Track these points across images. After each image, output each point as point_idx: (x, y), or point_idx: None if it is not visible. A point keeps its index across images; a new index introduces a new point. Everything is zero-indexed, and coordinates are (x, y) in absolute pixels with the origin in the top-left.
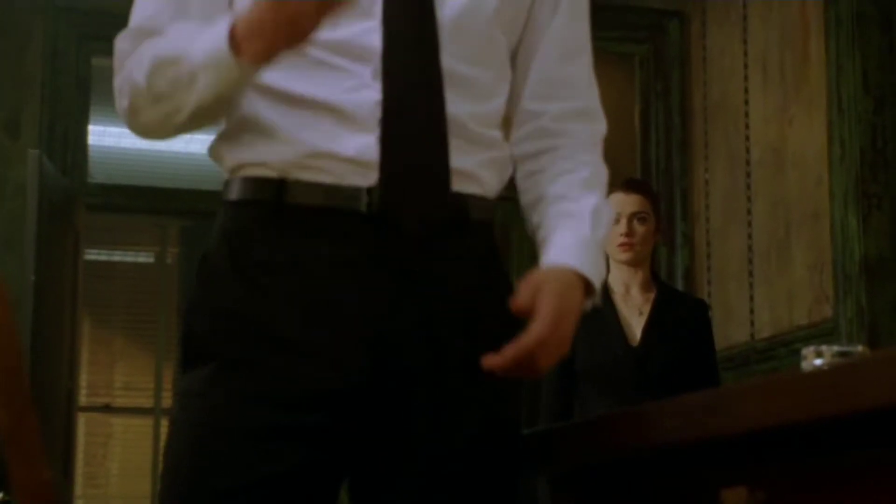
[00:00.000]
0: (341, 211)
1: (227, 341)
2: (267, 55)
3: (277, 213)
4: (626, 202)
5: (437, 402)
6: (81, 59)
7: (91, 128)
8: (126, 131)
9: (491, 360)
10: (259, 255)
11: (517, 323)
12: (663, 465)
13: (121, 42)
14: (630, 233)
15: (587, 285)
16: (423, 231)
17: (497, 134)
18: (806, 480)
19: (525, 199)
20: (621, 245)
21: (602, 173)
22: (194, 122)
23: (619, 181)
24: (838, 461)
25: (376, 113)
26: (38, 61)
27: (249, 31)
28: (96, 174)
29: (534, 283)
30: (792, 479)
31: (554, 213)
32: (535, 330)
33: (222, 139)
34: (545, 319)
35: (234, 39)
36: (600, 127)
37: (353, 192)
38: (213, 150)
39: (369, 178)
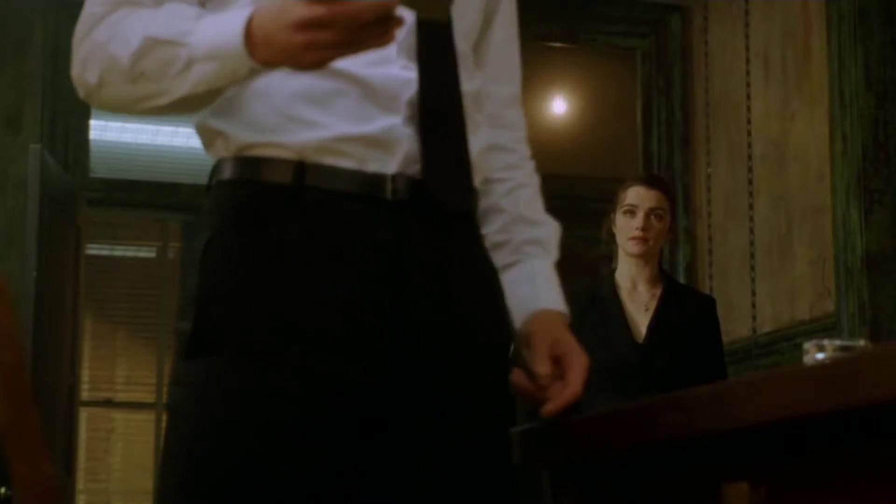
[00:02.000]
0: (363, 197)
1: (242, 330)
2: (278, 65)
3: (297, 197)
4: (646, 197)
5: (455, 393)
6: None
7: (92, 122)
8: (128, 126)
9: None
10: (278, 241)
11: (506, 311)
12: (665, 460)
13: (92, 5)
14: (647, 227)
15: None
16: (455, 220)
17: (483, 118)
18: (808, 475)
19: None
20: (635, 238)
21: (538, 181)
22: (171, 110)
23: (623, 175)
24: (840, 456)
25: (405, 93)
26: (38, 56)
27: (266, 39)
28: (97, 169)
29: (550, 338)
30: (794, 474)
31: (522, 238)
32: (577, 380)
33: (221, 114)
34: (581, 368)
35: (251, 38)
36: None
37: (376, 179)
38: (206, 126)
39: (392, 164)
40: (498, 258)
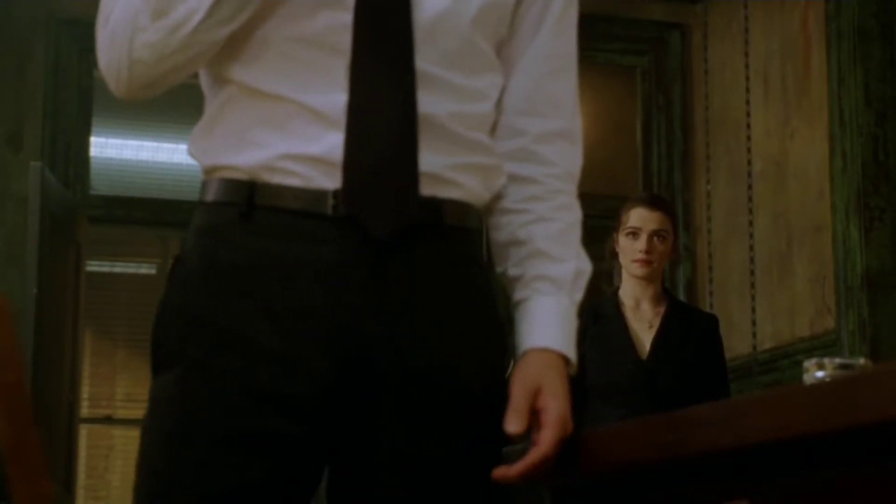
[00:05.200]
0: (309, 214)
1: (193, 345)
2: None
3: (247, 215)
4: (649, 219)
5: (404, 413)
6: (83, 71)
7: (93, 139)
8: (128, 143)
9: (502, 472)
10: (228, 258)
11: (489, 332)
12: (665, 478)
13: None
14: (650, 250)
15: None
16: (389, 234)
17: (484, 137)
18: (808, 494)
19: (496, 235)
20: (639, 261)
21: (578, 218)
22: (208, 34)
23: (623, 193)
24: (841, 474)
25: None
26: (39, 74)
27: None
28: (98, 186)
29: (530, 387)
30: (794, 493)
31: (534, 273)
32: (547, 440)
33: (197, 138)
34: (555, 427)
35: None
36: (579, 152)
37: (319, 195)
38: (190, 149)
39: (336, 180)
40: (513, 294)
